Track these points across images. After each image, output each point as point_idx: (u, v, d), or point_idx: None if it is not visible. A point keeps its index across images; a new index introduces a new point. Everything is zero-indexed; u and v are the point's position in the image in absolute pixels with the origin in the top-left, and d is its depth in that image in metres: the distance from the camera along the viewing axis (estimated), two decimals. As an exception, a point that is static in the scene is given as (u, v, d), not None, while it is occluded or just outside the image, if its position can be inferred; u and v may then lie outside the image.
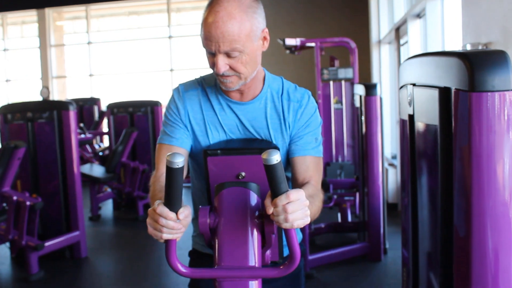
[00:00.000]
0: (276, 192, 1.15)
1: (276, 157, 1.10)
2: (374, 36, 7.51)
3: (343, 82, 6.32)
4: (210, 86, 1.63)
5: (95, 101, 10.24)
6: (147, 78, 11.94)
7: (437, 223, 1.52)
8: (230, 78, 1.49)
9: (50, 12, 11.63)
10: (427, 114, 1.54)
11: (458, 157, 1.34)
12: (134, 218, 6.50)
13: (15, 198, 4.36)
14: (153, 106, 7.04)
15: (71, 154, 4.90)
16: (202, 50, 1.52)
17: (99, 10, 11.94)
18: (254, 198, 1.32)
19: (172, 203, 1.16)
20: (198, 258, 1.85)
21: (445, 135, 1.40)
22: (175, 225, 1.18)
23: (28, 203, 4.35)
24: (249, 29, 1.43)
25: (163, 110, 7.19)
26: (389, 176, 6.25)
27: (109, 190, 7.14)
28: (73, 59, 12.15)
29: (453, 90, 1.33)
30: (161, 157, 1.59)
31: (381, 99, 4.47)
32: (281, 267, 1.25)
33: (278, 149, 1.49)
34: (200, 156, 1.54)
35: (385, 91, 6.82)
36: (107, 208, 7.22)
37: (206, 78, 1.66)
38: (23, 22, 12.41)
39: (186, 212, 1.18)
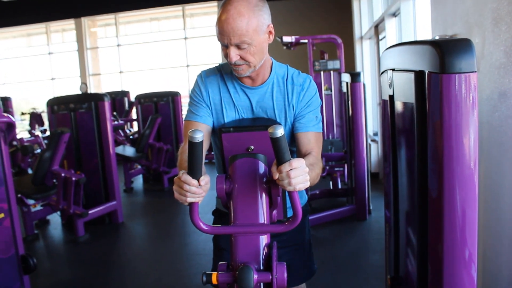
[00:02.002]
0: (280, 161, 1.15)
1: (280, 131, 1.10)
2: (356, 32, 7.44)
3: (332, 72, 6.30)
4: (227, 72, 1.64)
5: (125, 94, 10.22)
6: (167, 73, 11.90)
7: (414, 187, 1.51)
8: (241, 67, 1.50)
9: (85, 20, 11.55)
10: (404, 94, 1.52)
11: (432, 130, 1.33)
12: (160, 189, 6.53)
13: (63, 174, 4.39)
14: (174, 96, 7.02)
15: (107, 137, 4.90)
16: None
17: (126, 17, 11.85)
18: (262, 167, 1.32)
19: (194, 172, 1.16)
20: (220, 215, 1.88)
21: (420, 112, 1.38)
22: (197, 190, 1.18)
23: (73, 178, 4.37)
24: (256, 24, 1.43)
25: (182, 99, 7.25)
26: (371, 150, 6.24)
27: (139, 167, 7.16)
28: (105, 59, 12.10)
29: (426, 73, 1.32)
30: (187, 132, 1.60)
31: (364, 85, 4.44)
32: (286, 223, 1.25)
33: (282, 125, 1.49)
34: (217, 132, 1.55)
35: (367, 78, 6.77)
36: (138, 182, 7.25)
37: (224, 66, 1.67)
38: (63, 29, 12.33)
39: (206, 179, 1.19)
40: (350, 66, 7.59)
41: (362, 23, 7.23)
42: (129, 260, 3.94)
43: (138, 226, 5.08)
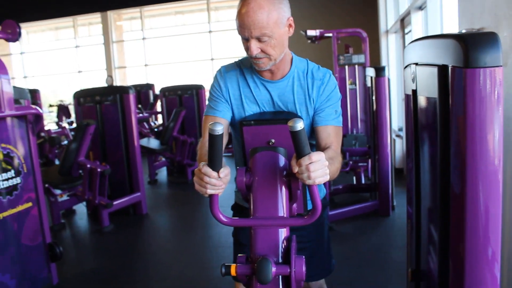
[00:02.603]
0: (300, 154, 1.15)
1: (300, 125, 1.10)
2: (382, 26, 7.34)
3: (356, 67, 6.23)
4: (246, 67, 1.65)
5: (150, 86, 10.34)
6: (192, 66, 11.98)
7: (436, 183, 1.50)
8: (262, 60, 1.51)
9: (111, 14, 11.72)
10: (427, 89, 1.51)
11: (455, 125, 1.31)
12: (184, 181, 6.60)
13: (88, 166, 4.47)
14: (198, 89, 7.06)
15: (131, 129, 4.97)
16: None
17: (151, 11, 11.97)
18: (282, 160, 1.32)
19: (214, 164, 1.18)
20: (239, 210, 1.89)
21: (443, 107, 1.37)
22: (217, 182, 1.20)
23: (99, 169, 4.46)
24: (276, 17, 1.44)
25: (206, 92, 7.29)
26: (396, 146, 6.16)
27: (163, 159, 7.24)
28: (131, 52, 12.25)
29: (450, 67, 1.30)
30: (206, 127, 1.62)
31: (388, 79, 4.39)
32: (306, 217, 1.26)
33: (302, 119, 1.49)
34: (237, 126, 1.56)
35: (392, 73, 6.69)
36: (162, 174, 7.33)
37: (244, 61, 1.68)
38: (90, 23, 12.54)
39: (226, 171, 1.20)
40: (375, 61, 7.49)
41: (388, 17, 7.14)
42: (153, 251, 4.00)
43: (161, 218, 5.15)
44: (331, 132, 1.59)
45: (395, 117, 6.54)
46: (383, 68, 4.33)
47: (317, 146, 1.60)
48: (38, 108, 3.10)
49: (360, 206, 4.50)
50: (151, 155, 6.63)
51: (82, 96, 5.02)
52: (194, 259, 3.72)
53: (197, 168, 1.23)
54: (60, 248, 3.26)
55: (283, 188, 1.30)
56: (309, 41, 6.30)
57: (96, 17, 11.87)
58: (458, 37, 1.26)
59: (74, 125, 9.31)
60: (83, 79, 12.56)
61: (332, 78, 1.64)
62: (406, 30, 5.85)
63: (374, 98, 4.43)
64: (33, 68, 13.30)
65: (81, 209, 5.25)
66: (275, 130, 1.46)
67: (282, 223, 1.26)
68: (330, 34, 6.03)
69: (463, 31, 2.52)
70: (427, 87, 1.51)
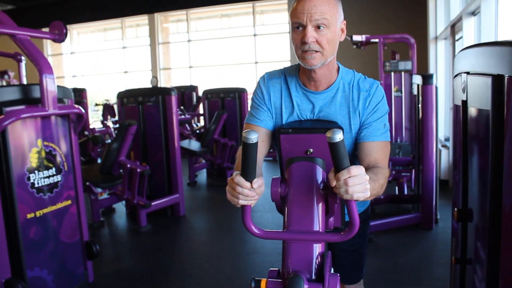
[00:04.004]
0: (338, 167, 1.08)
1: (339, 136, 1.03)
2: (431, 32, 7.13)
3: (402, 73, 6.07)
4: (290, 76, 1.59)
5: (193, 88, 10.44)
6: (236, 69, 12.03)
7: (486, 199, 1.39)
8: (314, 54, 1.42)
9: (158, 16, 11.94)
10: (480, 100, 1.40)
11: (509, 140, 1.21)
12: (223, 184, 6.51)
13: (129, 165, 4.53)
14: (240, 92, 7.06)
15: (172, 131, 5.01)
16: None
17: (197, 13, 12.11)
18: (319, 172, 1.26)
19: (247, 174, 1.13)
20: None
21: (497, 120, 1.27)
22: (250, 193, 1.15)
23: (138, 170, 4.50)
24: (336, 12, 1.41)
25: (249, 96, 7.28)
26: (442, 156, 5.94)
27: (203, 161, 7.28)
28: (176, 54, 12.43)
29: (506, 77, 1.20)
30: None
31: (436, 88, 4.22)
32: (342, 233, 1.19)
33: (342, 129, 1.42)
34: (276, 133, 1.51)
35: (440, 81, 6.46)
36: (202, 176, 7.37)
37: (288, 69, 1.62)
38: (137, 25, 12.81)
39: (259, 182, 1.15)
40: (423, 68, 7.28)
41: (437, 22, 6.92)
42: (189, 254, 4.00)
43: (199, 220, 5.15)
44: (378, 148, 1.50)
45: (442, 127, 6.31)
46: (430, 76, 4.17)
47: (361, 163, 1.51)
48: (80, 107, 3.15)
49: (402, 218, 4.34)
50: (192, 157, 6.67)
51: (125, 96, 5.10)
52: (229, 264, 3.68)
53: (230, 177, 1.19)
54: (97, 246, 3.30)
55: (320, 201, 1.23)
56: (354, 46, 6.18)
57: (143, 19, 12.11)
58: (517, 45, 1.17)
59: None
60: (129, 79, 12.85)
61: (379, 89, 1.55)
62: (457, 37, 5.64)
63: (420, 106, 4.27)
64: (82, 67, 13.72)
65: (120, 208, 5.33)
66: (313, 139, 1.40)
67: (317, 238, 1.20)
68: (377, 40, 5.90)
69: (520, 38, 2.37)
70: (479, 98, 1.41)
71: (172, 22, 12.65)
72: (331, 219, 1.33)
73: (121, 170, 4.66)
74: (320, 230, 1.22)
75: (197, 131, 9.03)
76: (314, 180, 1.24)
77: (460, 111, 1.65)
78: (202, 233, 4.72)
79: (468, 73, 1.51)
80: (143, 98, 4.99)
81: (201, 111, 9.93)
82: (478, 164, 1.50)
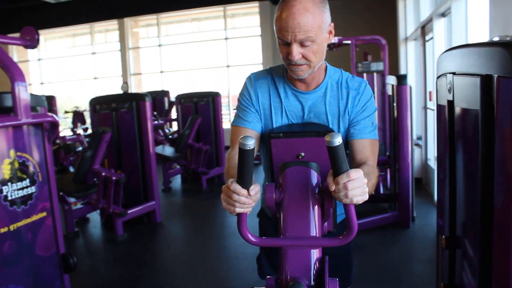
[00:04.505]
0: (337, 171, 1.06)
1: (338, 139, 1.01)
2: (401, 33, 7.24)
3: (375, 74, 6.14)
4: (278, 76, 1.57)
5: (165, 93, 10.31)
6: (207, 73, 11.97)
7: (475, 197, 1.40)
8: (302, 67, 1.42)
9: (128, 21, 11.77)
10: (467, 99, 1.41)
11: (500, 137, 1.22)
12: (198, 190, 6.53)
13: (103, 174, 4.42)
14: (214, 96, 7.01)
15: (147, 137, 4.92)
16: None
17: (167, 18, 11.99)
18: (314, 176, 1.23)
19: (244, 181, 1.09)
20: (265, 217, 1.81)
21: (486, 118, 1.27)
22: (246, 200, 1.11)
23: (114, 178, 4.40)
24: (320, 21, 1.36)
25: (222, 99, 7.22)
26: (414, 155, 6.03)
27: (178, 166, 7.19)
28: (147, 59, 12.28)
29: (495, 77, 1.21)
30: (235, 138, 1.54)
31: (410, 88, 4.28)
32: (341, 237, 1.17)
33: (333, 131, 1.40)
34: (265, 137, 1.48)
35: (411, 81, 6.56)
36: (176, 182, 7.28)
37: (275, 69, 1.60)
38: (107, 30, 12.59)
39: (256, 189, 1.12)
40: (394, 69, 7.38)
41: (407, 24, 7.04)
42: (168, 261, 3.93)
43: (176, 227, 5.08)
44: (367, 146, 1.50)
45: (414, 126, 6.41)
46: (404, 76, 4.23)
47: (351, 160, 1.51)
48: (54, 115, 3.06)
49: (380, 217, 4.38)
50: (166, 162, 6.58)
51: (98, 103, 4.99)
52: (210, 271, 3.63)
53: (225, 185, 1.15)
54: (74, 258, 3.19)
55: (316, 206, 1.21)
56: (327, 48, 6.21)
57: (113, 23, 11.92)
58: (505, 45, 1.18)
59: (89, 131, 9.33)
60: (99, 85, 12.61)
61: (367, 88, 1.55)
62: (427, 38, 5.74)
63: (395, 106, 4.32)
64: (50, 74, 13.39)
65: (95, 217, 5.21)
66: (305, 143, 1.38)
67: (315, 243, 1.17)
68: (349, 42, 5.95)
69: (496, 38, 2.41)
70: (467, 97, 1.41)
71: (143, 27, 12.49)
72: (326, 224, 1.31)
73: (95, 179, 4.55)
74: (317, 235, 1.20)
75: (170, 137, 8.93)
76: (309, 184, 1.22)
77: (445, 110, 1.66)
78: (180, 240, 4.65)
79: (454, 73, 1.52)
80: (117, 104, 4.89)
81: (173, 116, 9.85)
82: (467, 163, 1.50)
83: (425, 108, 5.84)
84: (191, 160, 6.66)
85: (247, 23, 11.70)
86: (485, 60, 1.29)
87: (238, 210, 1.13)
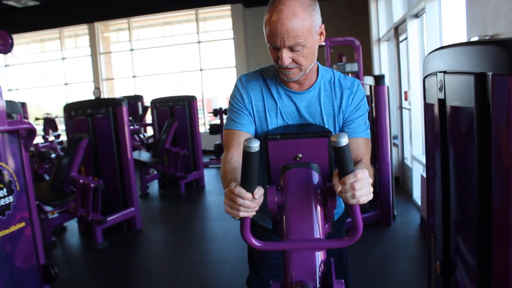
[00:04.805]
0: (344, 172, 1.05)
1: (344, 140, 1.01)
2: (374, 35, 7.34)
3: (349, 75, 6.19)
4: (270, 77, 1.55)
5: (138, 98, 10.18)
6: (181, 77, 11.87)
7: (471, 195, 1.41)
8: (292, 70, 1.41)
9: (98, 25, 11.58)
10: (460, 98, 1.42)
11: (496, 135, 1.23)
12: (177, 195, 6.46)
13: (81, 181, 4.32)
14: (190, 100, 6.95)
15: (125, 142, 4.84)
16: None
17: (138, 22, 11.84)
18: (316, 177, 1.23)
19: (248, 184, 1.07)
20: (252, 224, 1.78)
21: (482, 116, 1.29)
22: (251, 204, 1.09)
23: (92, 185, 4.31)
24: (310, 25, 1.34)
25: (198, 103, 7.16)
26: (392, 154, 6.11)
27: (154, 172, 7.10)
28: (118, 63, 12.11)
29: (490, 75, 1.23)
30: (230, 142, 1.51)
31: (388, 88, 4.34)
32: (346, 238, 1.16)
33: (331, 133, 1.40)
34: (260, 140, 1.46)
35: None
36: (154, 187, 7.19)
37: (266, 70, 1.58)
38: (76, 35, 12.36)
39: (260, 192, 1.10)
40: (368, 69, 7.48)
41: (379, 25, 7.13)
42: (151, 269, 3.86)
43: (157, 233, 5.00)
44: (361, 144, 1.50)
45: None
46: (382, 77, 4.28)
47: None
48: (31, 122, 2.97)
49: (361, 217, 4.40)
50: (143, 168, 6.49)
51: (73, 109, 4.88)
52: (194, 276, 3.58)
53: (227, 189, 1.12)
54: (55, 269, 3.09)
55: (318, 208, 1.20)
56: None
57: (83, 28, 11.71)
58: (500, 43, 1.19)
59: (62, 138, 9.13)
60: (70, 91, 12.36)
61: (360, 88, 1.55)
62: (400, 38, 5.83)
63: (373, 106, 4.37)
64: (18, 81, 13.04)
65: (72, 225, 5.09)
66: (302, 144, 1.36)
67: (320, 245, 1.16)
68: (323, 43, 5.98)
69: (475, 38, 2.46)
70: (460, 96, 1.43)
71: (113, 31, 12.30)
72: (327, 225, 1.30)
73: (72, 187, 4.44)
74: (321, 237, 1.19)
75: (145, 142, 8.81)
76: (311, 186, 1.21)
77: (434, 109, 1.68)
78: (162, 246, 4.58)
79: (445, 72, 1.53)
80: (92, 110, 4.79)
81: (147, 121, 9.73)
82: (461, 161, 1.52)
83: (401, 107, 5.93)
84: (168, 165, 6.58)
85: (219, 26, 11.66)
86: (479, 58, 1.31)
87: (242, 214, 1.11)
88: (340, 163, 1.04)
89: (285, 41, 1.33)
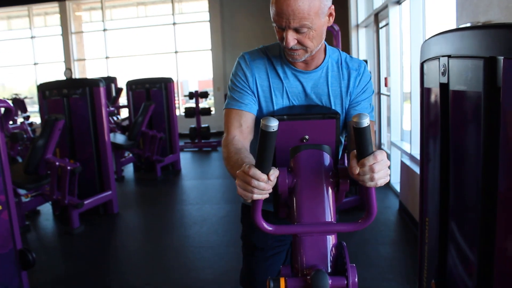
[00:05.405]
0: (363, 153, 1.03)
1: (366, 121, 0.97)
2: (352, 21, 7.35)
3: (329, 60, 6.19)
4: (274, 55, 1.50)
5: (112, 80, 9.95)
6: (155, 59, 11.66)
7: (473, 181, 1.41)
8: (298, 52, 1.36)
9: (70, 4, 11.22)
10: (466, 82, 1.41)
11: (505, 118, 1.23)
12: (153, 178, 6.38)
13: (57, 163, 4.20)
14: (167, 82, 6.82)
15: (102, 124, 4.72)
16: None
17: (112, 1, 11.54)
18: (327, 159, 1.20)
19: (264, 165, 1.03)
20: (249, 212, 1.75)
21: (490, 100, 1.28)
22: (266, 186, 1.05)
23: (69, 167, 4.19)
24: (318, 6, 1.28)
25: (175, 86, 7.04)
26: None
27: (130, 155, 6.98)
28: (91, 44, 11.78)
29: (502, 59, 1.21)
30: (231, 121, 1.45)
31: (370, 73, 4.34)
32: (360, 221, 1.15)
33: (339, 115, 1.37)
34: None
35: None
36: (129, 170, 7.08)
37: (270, 48, 1.52)
38: (46, 13, 11.95)
39: (276, 173, 1.06)
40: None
41: (358, 11, 7.14)
42: (131, 254, 3.79)
43: (134, 217, 4.92)
44: None
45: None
46: (365, 62, 4.27)
47: (350, 141, 1.48)
48: (8, 101, 2.85)
49: (343, 201, 4.43)
50: (118, 151, 6.36)
51: (48, 89, 4.70)
52: (176, 261, 3.54)
53: (240, 170, 1.08)
54: (32, 254, 3.00)
55: (330, 190, 1.18)
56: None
57: (53, 6, 11.32)
58: (511, 27, 1.18)
59: (31, 120, 8.87)
60: (40, 72, 11.98)
61: (367, 69, 1.53)
62: (380, 25, 5.85)
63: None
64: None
65: (46, 209, 4.96)
66: (309, 125, 1.33)
67: (332, 229, 1.14)
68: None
69: (468, 24, 2.47)
70: (466, 80, 1.42)
71: (86, 10, 11.94)
72: (334, 208, 1.28)
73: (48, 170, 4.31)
74: (332, 220, 1.17)
75: (121, 124, 8.65)
76: (323, 168, 1.18)
77: (435, 93, 1.67)
78: (141, 231, 4.50)
79: (449, 56, 1.52)
80: (69, 90, 4.63)
81: (120, 103, 9.55)
82: (465, 146, 1.52)
83: (379, 93, 5.97)
84: (144, 148, 6.47)
85: (195, 8, 11.47)
86: (489, 42, 1.30)
87: (256, 196, 1.06)
88: (359, 144, 1.02)
89: (290, 22, 1.28)
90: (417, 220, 3.76)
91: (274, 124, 0.97)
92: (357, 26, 7.25)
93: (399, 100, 5.11)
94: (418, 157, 4.06)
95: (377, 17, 5.81)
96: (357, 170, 1.05)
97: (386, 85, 5.63)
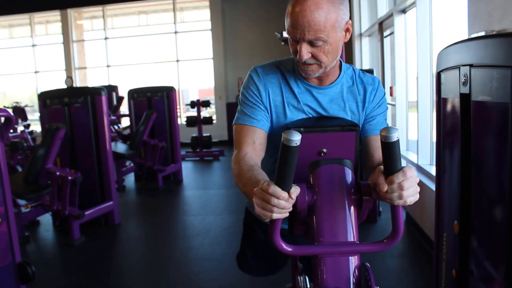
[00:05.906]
0: (392, 170, 0.95)
1: (396, 135, 0.90)
2: (356, 29, 7.31)
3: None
4: (288, 70, 1.43)
5: (113, 88, 9.89)
6: (156, 68, 11.62)
7: (501, 195, 1.34)
8: (311, 66, 1.30)
9: (71, 12, 11.20)
10: (491, 92, 1.35)
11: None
12: (155, 188, 6.29)
13: (58, 173, 4.12)
14: (169, 91, 6.77)
15: (104, 133, 4.65)
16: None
17: (113, 10, 11.52)
18: (349, 174, 1.12)
19: (285, 183, 0.95)
20: (251, 216, 1.77)
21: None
22: (286, 205, 0.97)
23: (69, 177, 4.12)
24: (335, 19, 1.22)
25: (177, 95, 6.98)
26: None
27: (131, 164, 6.91)
28: (92, 52, 11.75)
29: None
30: (243, 138, 1.38)
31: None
32: (385, 241, 1.07)
33: (359, 127, 1.30)
34: (277, 136, 1.34)
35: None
36: (130, 180, 7.00)
37: (283, 63, 1.46)
38: (47, 21, 11.92)
39: (297, 191, 0.98)
40: (349, 63, 7.47)
41: (361, 20, 7.11)
42: (133, 266, 3.70)
43: (136, 228, 4.83)
44: None
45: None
46: (371, 71, 4.22)
47: (366, 157, 1.41)
48: (8, 110, 2.78)
49: (347, 213, 4.36)
50: (119, 160, 6.28)
51: (48, 97, 4.64)
52: (180, 274, 3.45)
53: (258, 187, 1.00)
54: (32, 267, 2.92)
55: (352, 208, 1.10)
56: (282, 43, 6.15)
57: (54, 15, 11.30)
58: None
59: (32, 128, 8.80)
60: (40, 80, 11.93)
61: (381, 85, 1.49)
62: (385, 34, 5.81)
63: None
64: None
65: (46, 219, 4.87)
66: (327, 138, 1.26)
67: (356, 249, 1.07)
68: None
69: (482, 33, 2.41)
70: (491, 90, 1.35)
71: (87, 19, 11.92)
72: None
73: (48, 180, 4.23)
74: (355, 240, 1.09)
75: (122, 133, 8.58)
76: (344, 184, 1.11)
77: (455, 104, 1.60)
78: (143, 242, 4.41)
79: (471, 65, 1.45)
80: (70, 99, 4.57)
81: (121, 112, 9.49)
82: (485, 154, 1.45)
83: (384, 103, 5.91)
84: (146, 157, 6.39)
85: (197, 17, 11.45)
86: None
87: (275, 215, 0.99)
88: (388, 160, 0.94)
89: (305, 34, 1.22)
90: (425, 232, 3.68)
91: (297, 138, 0.90)
92: (361, 35, 7.21)
93: (405, 109, 5.05)
94: (425, 167, 3.99)
95: (382, 26, 5.77)
96: (385, 188, 0.98)
97: (391, 94, 5.57)
